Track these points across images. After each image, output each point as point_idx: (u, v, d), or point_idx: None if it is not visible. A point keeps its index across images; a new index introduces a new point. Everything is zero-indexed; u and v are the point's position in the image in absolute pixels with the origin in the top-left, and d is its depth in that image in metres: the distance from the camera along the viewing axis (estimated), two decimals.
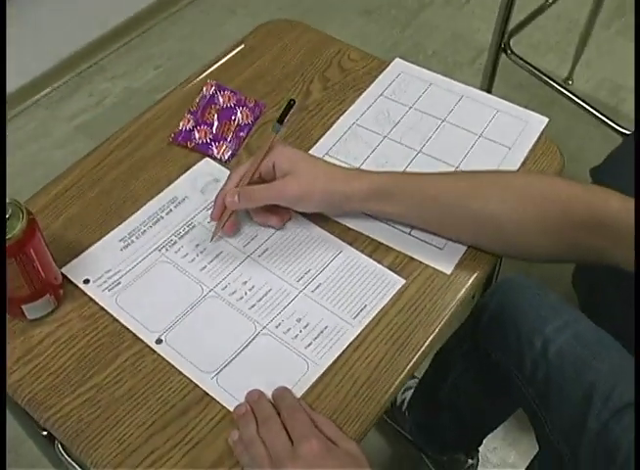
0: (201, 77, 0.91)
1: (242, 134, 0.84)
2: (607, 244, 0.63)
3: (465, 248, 0.73)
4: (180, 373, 0.64)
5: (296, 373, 0.64)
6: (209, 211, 0.74)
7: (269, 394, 0.63)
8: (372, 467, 0.58)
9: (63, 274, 0.70)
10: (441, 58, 1.98)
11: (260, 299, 0.69)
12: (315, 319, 0.68)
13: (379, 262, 0.72)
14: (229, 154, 0.82)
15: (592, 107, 1.61)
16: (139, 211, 0.76)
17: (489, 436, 1.15)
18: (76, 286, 0.70)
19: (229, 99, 0.87)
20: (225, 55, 0.94)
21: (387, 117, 0.85)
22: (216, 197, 0.72)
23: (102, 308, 0.68)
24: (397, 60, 0.92)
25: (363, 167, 0.80)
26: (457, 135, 0.83)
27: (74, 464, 0.82)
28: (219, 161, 0.82)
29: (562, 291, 0.89)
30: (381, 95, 0.88)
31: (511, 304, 0.83)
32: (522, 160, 0.81)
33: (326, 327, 0.67)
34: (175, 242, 0.73)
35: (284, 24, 0.98)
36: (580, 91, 1.71)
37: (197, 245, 0.73)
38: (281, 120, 0.72)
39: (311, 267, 0.71)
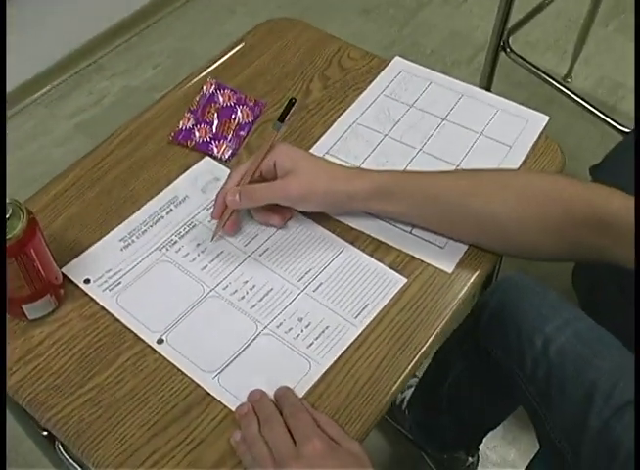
0: (201, 76, 0.90)
1: (242, 133, 0.84)
2: (608, 242, 0.63)
3: (466, 247, 0.72)
4: (182, 373, 0.64)
5: (297, 373, 0.64)
6: (210, 211, 0.74)
7: (271, 393, 0.63)
8: (374, 467, 0.58)
9: (63, 274, 0.69)
10: (440, 56, 1.98)
11: (262, 298, 0.69)
12: (317, 319, 0.67)
13: (380, 261, 0.72)
14: (229, 153, 0.82)
15: (591, 105, 1.61)
16: (139, 211, 0.76)
17: (489, 434, 1.15)
18: (77, 286, 0.70)
19: (229, 98, 0.87)
20: (225, 53, 0.94)
21: (387, 115, 0.85)
22: (217, 196, 0.72)
23: (102, 308, 0.68)
24: (397, 58, 0.92)
25: (364, 166, 0.80)
26: (458, 134, 0.83)
27: (75, 464, 0.82)
28: (219, 160, 0.81)
29: (561, 289, 0.89)
30: (381, 94, 0.88)
31: (511, 302, 0.83)
32: (522, 158, 0.81)
33: (327, 326, 0.67)
34: (176, 241, 0.73)
35: (284, 23, 0.98)
36: (579, 89, 1.71)
37: (197, 244, 0.73)
38: (282, 119, 0.72)
39: (312, 267, 0.71)
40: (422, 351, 0.66)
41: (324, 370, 0.64)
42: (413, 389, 1.20)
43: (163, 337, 0.66)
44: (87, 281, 0.70)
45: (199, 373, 0.64)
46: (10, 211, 0.59)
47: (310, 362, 0.65)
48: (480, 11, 2.10)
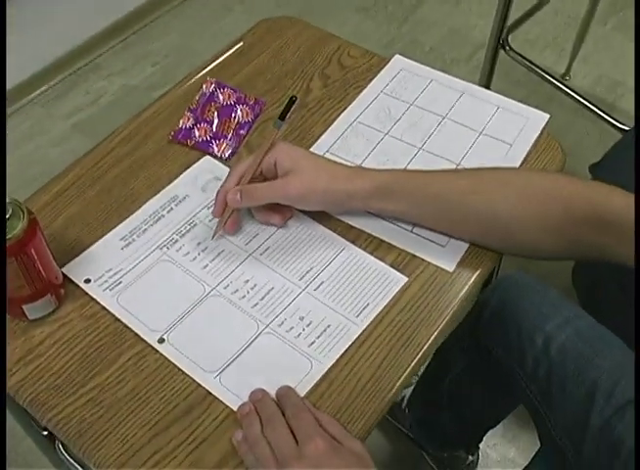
0: (200, 75, 0.90)
1: (242, 132, 0.84)
2: (609, 240, 0.63)
3: (467, 245, 0.72)
4: (183, 372, 0.64)
5: (299, 372, 0.64)
6: (211, 210, 0.74)
7: (273, 393, 0.62)
8: (376, 466, 0.57)
9: (63, 274, 0.69)
10: (439, 54, 1.98)
11: (263, 297, 0.69)
12: (318, 317, 0.67)
13: (381, 260, 0.72)
14: (229, 152, 0.81)
15: (590, 102, 1.61)
16: (140, 210, 0.76)
17: (489, 432, 1.15)
18: (77, 286, 0.69)
19: (229, 96, 0.86)
20: (224, 52, 0.93)
21: (387, 114, 0.85)
22: (217, 193, 0.72)
23: (103, 308, 0.68)
24: (397, 56, 0.92)
25: (364, 165, 0.79)
26: (458, 132, 0.83)
27: (75, 464, 0.81)
28: (220, 159, 0.81)
29: (561, 287, 0.89)
30: (381, 92, 0.88)
31: (512, 300, 0.83)
32: (523, 156, 0.81)
33: (329, 325, 0.67)
34: (176, 240, 0.73)
35: (283, 21, 0.98)
36: (578, 87, 1.71)
37: (198, 243, 0.73)
38: (283, 117, 0.72)
39: (313, 265, 0.71)
40: (423, 349, 0.66)
41: (325, 369, 0.64)
42: (413, 387, 1.20)
43: (164, 336, 0.66)
44: (88, 281, 0.70)
45: (200, 373, 0.64)
46: (10, 210, 0.59)
47: (312, 361, 0.65)
48: (479, 9, 2.10)
